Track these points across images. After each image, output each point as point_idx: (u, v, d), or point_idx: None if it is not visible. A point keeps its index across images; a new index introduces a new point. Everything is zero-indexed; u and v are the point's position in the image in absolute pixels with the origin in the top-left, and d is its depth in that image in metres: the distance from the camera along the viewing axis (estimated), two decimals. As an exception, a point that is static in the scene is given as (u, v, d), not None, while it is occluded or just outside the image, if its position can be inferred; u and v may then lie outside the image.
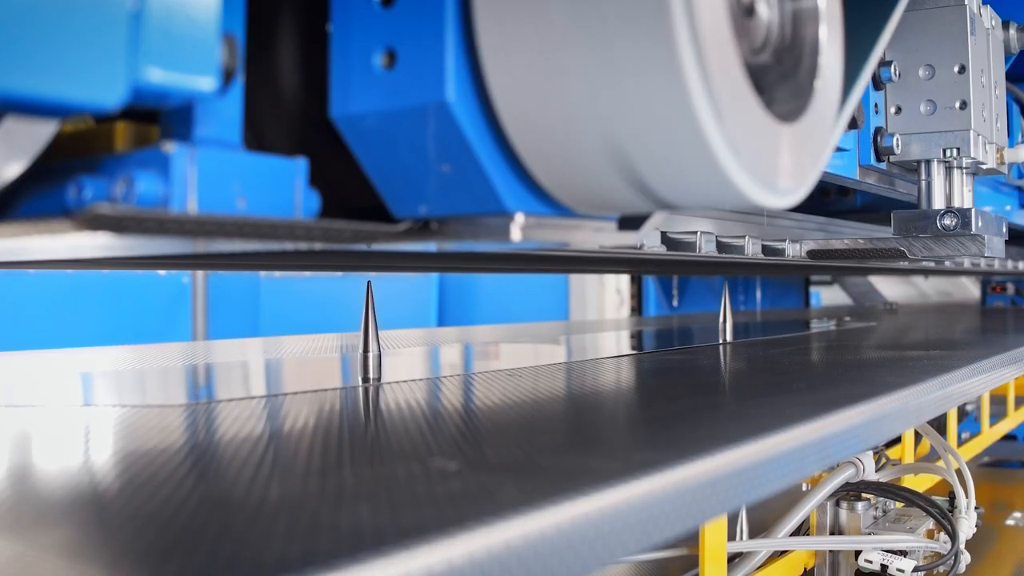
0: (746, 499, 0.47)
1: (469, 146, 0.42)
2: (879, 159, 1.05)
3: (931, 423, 1.40)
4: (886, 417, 0.65)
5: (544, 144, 0.42)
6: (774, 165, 0.44)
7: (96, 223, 0.33)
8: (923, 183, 1.06)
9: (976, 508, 1.29)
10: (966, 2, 1.01)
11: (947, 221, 1.03)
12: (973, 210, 1.02)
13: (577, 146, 0.42)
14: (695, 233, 0.92)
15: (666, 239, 0.91)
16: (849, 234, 1.37)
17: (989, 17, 1.08)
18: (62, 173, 0.37)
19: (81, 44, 0.31)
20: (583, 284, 3.32)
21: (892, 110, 1.05)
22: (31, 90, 0.30)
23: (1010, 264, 1.79)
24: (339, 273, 3.18)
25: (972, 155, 1.02)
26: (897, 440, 1.56)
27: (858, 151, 1.04)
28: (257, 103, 0.46)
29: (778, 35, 0.50)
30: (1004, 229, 1.11)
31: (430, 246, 0.53)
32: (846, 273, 3.15)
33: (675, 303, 2.95)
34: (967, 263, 1.55)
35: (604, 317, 3.13)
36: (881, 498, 1.23)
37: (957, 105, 1.02)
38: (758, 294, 3.12)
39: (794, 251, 1.12)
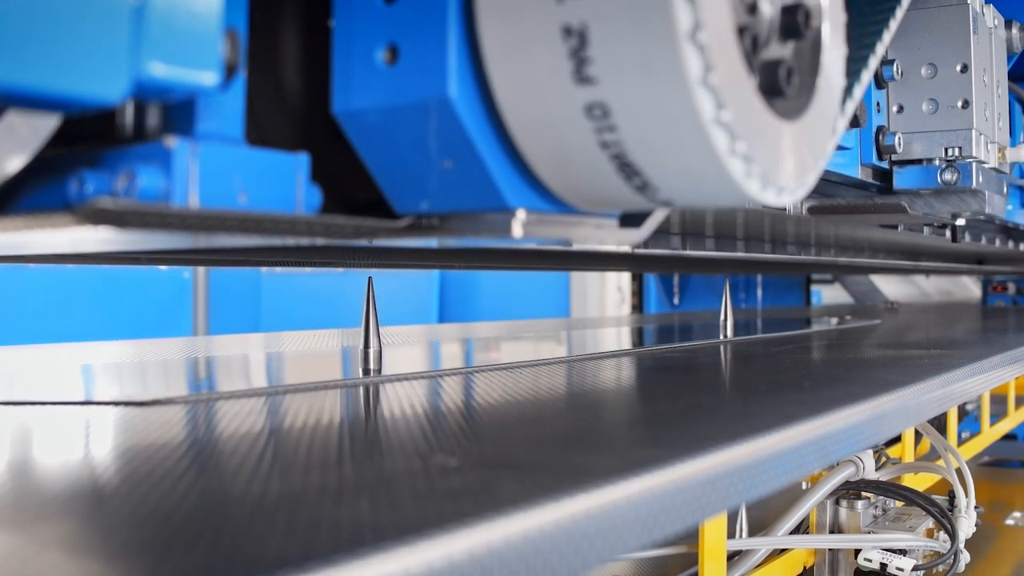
0: (746, 497, 0.47)
1: (471, 142, 0.42)
2: (881, 158, 1.05)
3: (931, 422, 1.40)
4: (886, 416, 0.65)
5: (546, 141, 0.42)
6: (775, 163, 0.44)
7: (98, 217, 0.33)
8: (925, 181, 1.06)
9: (976, 507, 1.29)
10: (968, 1, 1.01)
11: (948, 176, 1.03)
12: (974, 164, 1.02)
13: (579, 143, 0.42)
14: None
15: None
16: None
17: (992, 16, 1.08)
18: (64, 167, 0.37)
19: (83, 38, 0.31)
20: (584, 281, 3.31)
21: (894, 109, 1.05)
22: (33, 84, 0.30)
23: (1011, 244, 1.79)
24: (340, 269, 3.18)
25: (974, 154, 1.02)
26: (897, 439, 1.57)
27: (860, 150, 1.04)
28: (259, 98, 0.46)
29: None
30: (1004, 188, 1.11)
31: (431, 242, 0.53)
32: (847, 271, 3.15)
33: (676, 301, 2.95)
34: (967, 237, 1.54)
35: (605, 314, 3.13)
36: (881, 497, 1.23)
37: (959, 104, 1.02)
38: (759, 292, 3.12)
39: (794, 209, 1.11)
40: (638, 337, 1.50)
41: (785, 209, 1.09)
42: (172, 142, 0.36)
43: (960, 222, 1.27)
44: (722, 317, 1.34)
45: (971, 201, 1.03)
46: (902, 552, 1.15)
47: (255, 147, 0.40)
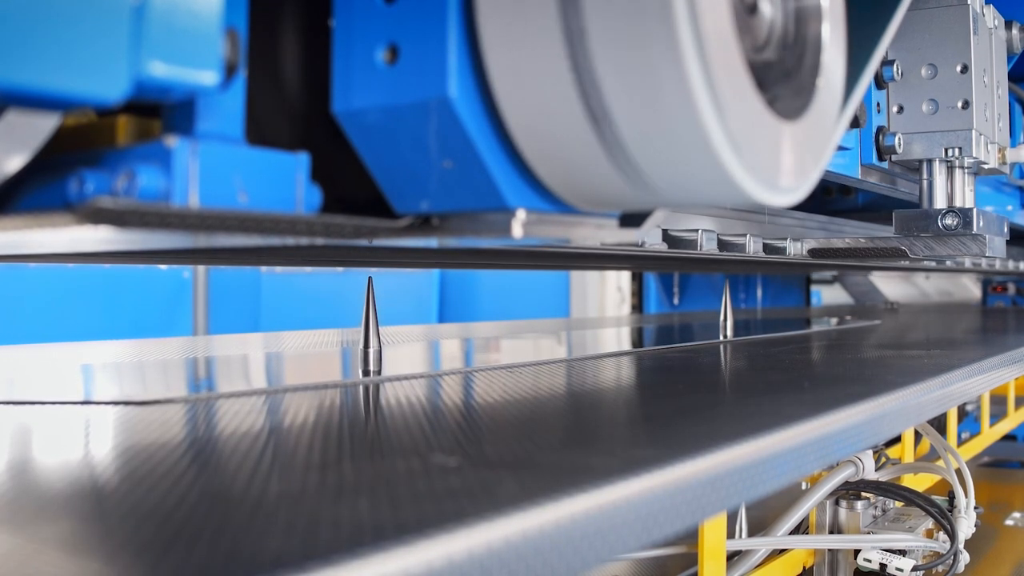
0: (745, 497, 0.47)
1: (471, 142, 0.42)
2: (881, 158, 1.05)
3: (931, 422, 1.40)
4: (886, 416, 0.65)
5: (546, 140, 0.42)
6: (776, 163, 0.44)
7: (98, 217, 0.33)
8: (925, 183, 1.06)
9: (975, 508, 1.29)
10: (969, 2, 1.01)
11: (948, 221, 1.03)
12: (975, 210, 1.02)
13: (579, 142, 0.42)
14: (696, 231, 0.92)
15: (667, 237, 0.91)
16: (850, 233, 1.37)
17: (992, 17, 1.08)
18: (64, 167, 0.37)
19: (84, 37, 0.31)
20: (584, 281, 3.32)
21: (894, 109, 1.05)
22: (33, 83, 0.30)
23: (1011, 264, 1.79)
24: (340, 269, 3.18)
25: (974, 155, 1.02)
26: (897, 439, 1.57)
27: (860, 150, 1.04)
28: (259, 97, 0.46)
29: (781, 33, 0.49)
30: (1005, 229, 1.11)
31: (431, 242, 0.53)
32: (847, 272, 3.15)
33: (676, 301, 2.95)
34: (968, 263, 1.55)
35: (605, 314, 3.13)
36: (880, 497, 1.23)
37: (959, 105, 1.02)
38: (759, 292, 3.12)
39: (795, 249, 1.12)
40: (638, 337, 1.50)
41: (786, 251, 1.10)
42: (172, 142, 0.36)
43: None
44: (722, 317, 1.34)
45: (972, 245, 1.03)
46: (902, 552, 1.15)
47: (255, 147, 0.40)
